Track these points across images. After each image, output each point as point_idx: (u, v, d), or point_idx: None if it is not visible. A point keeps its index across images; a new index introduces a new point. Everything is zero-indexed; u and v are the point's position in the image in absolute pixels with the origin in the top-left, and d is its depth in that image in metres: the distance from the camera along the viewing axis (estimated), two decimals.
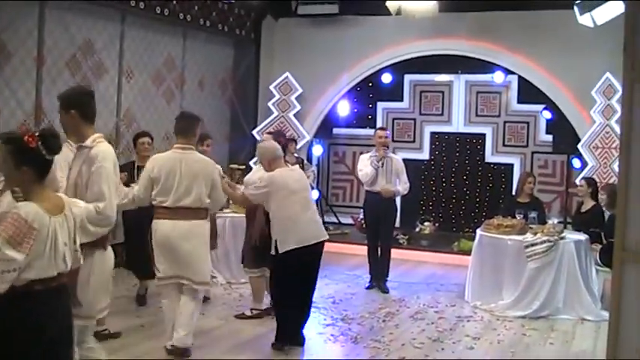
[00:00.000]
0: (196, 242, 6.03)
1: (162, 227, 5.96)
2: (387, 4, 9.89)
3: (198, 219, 6.03)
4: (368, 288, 8.99)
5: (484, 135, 12.66)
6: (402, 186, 8.94)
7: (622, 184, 4.35)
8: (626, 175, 4.33)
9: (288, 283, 6.27)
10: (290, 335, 6.47)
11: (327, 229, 12.60)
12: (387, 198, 8.85)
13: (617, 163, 9.97)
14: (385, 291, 8.87)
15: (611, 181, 9.90)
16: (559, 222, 9.25)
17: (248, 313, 7.47)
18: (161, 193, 5.97)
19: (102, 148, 4.53)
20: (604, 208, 8.89)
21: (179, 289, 6.07)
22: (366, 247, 9.26)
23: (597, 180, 10.01)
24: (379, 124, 13.22)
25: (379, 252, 9.06)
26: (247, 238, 7.39)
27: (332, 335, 6.93)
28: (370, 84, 12.96)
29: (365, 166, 8.91)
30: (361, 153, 13.23)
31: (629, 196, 4.32)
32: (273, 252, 6.29)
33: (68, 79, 8.92)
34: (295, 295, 6.33)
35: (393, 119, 13.20)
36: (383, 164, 8.79)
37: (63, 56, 8.87)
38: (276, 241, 6.25)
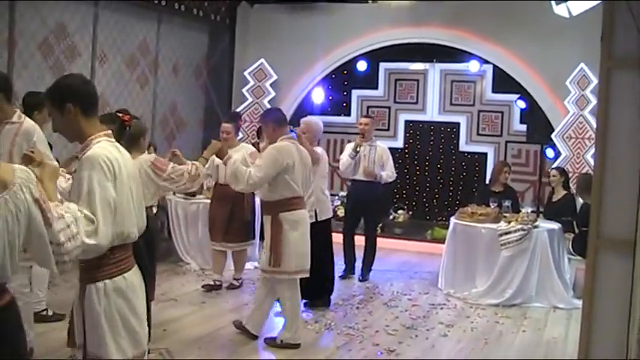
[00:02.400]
0: None
1: (303, 217, 6.20)
2: None
3: None
4: (342, 277, 8.94)
5: (458, 124, 12.68)
6: (386, 172, 8.87)
7: (597, 172, 4.38)
8: (602, 164, 4.37)
9: (328, 245, 7.38)
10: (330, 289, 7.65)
11: None
12: (371, 186, 8.80)
13: (590, 153, 10.09)
14: (365, 279, 8.89)
15: (584, 171, 9.96)
16: (532, 211, 9.31)
17: (236, 283, 8.17)
18: (295, 182, 6.10)
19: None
20: (576, 197, 8.98)
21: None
22: (339, 235, 9.22)
23: (570, 170, 10.11)
24: (354, 112, 13.21)
25: (365, 241, 9.04)
26: (236, 214, 7.88)
27: (305, 322, 6.91)
28: (345, 72, 12.91)
29: (346, 154, 8.86)
30: (335, 141, 13.36)
31: (604, 184, 4.35)
32: (313, 220, 6.73)
33: (40, 63, 8.80)
34: (331, 254, 7.59)
35: (368, 107, 13.17)
36: (358, 152, 8.72)
37: (35, 39, 8.74)
38: (315, 211, 7.06)
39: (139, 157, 5.61)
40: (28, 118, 5.33)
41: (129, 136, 5.54)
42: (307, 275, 6.20)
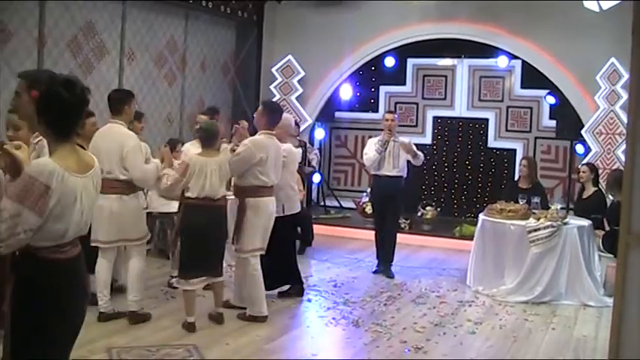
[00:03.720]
0: None
1: (267, 204, 6.64)
2: None
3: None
4: (375, 272, 8.91)
5: (487, 120, 12.60)
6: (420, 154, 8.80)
7: (628, 168, 4.31)
8: (633, 159, 4.30)
9: (291, 237, 7.67)
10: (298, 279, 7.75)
11: (328, 212, 12.74)
12: (394, 182, 8.71)
13: (621, 149, 9.97)
14: (390, 276, 8.82)
15: (614, 167, 9.85)
16: (562, 208, 9.21)
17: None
18: (264, 173, 6.57)
19: None
20: (606, 194, 8.87)
21: None
22: (367, 231, 9.18)
23: (601, 166, 9.99)
24: (382, 108, 13.19)
25: (384, 236, 8.98)
26: None
27: (333, 319, 6.90)
28: (373, 68, 12.89)
29: (370, 149, 8.77)
30: (363, 137, 13.33)
31: (635, 180, 4.28)
32: (281, 214, 7.03)
33: (69, 61, 8.88)
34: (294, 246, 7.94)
35: (396, 103, 13.14)
36: (386, 148, 8.68)
37: (64, 37, 8.82)
38: (283, 205, 7.13)
39: (222, 156, 6.37)
40: None
41: (206, 135, 6.33)
42: (262, 252, 6.69)
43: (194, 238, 6.20)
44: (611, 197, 8.62)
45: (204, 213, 6.18)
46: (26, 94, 3.84)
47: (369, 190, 12.03)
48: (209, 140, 6.33)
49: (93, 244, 6.16)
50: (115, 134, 6.26)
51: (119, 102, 6.37)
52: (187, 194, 6.21)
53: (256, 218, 6.57)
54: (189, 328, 6.24)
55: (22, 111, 4.16)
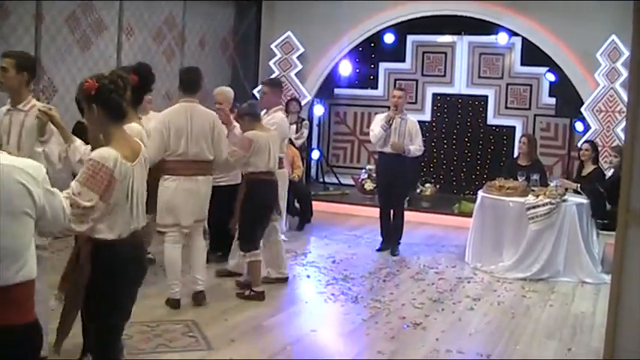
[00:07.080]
0: None
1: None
2: None
3: None
4: (379, 250, 8.89)
5: (486, 97, 12.57)
6: (415, 146, 8.71)
7: (628, 145, 4.32)
8: (632, 137, 4.30)
9: None
10: None
11: (327, 189, 12.75)
12: (399, 160, 8.68)
13: (620, 126, 9.96)
14: (395, 254, 8.83)
15: (614, 145, 9.85)
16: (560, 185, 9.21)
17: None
18: None
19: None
20: (605, 171, 8.87)
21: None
22: (366, 208, 9.18)
23: (600, 144, 9.98)
24: (381, 84, 13.16)
25: (391, 215, 8.97)
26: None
27: (332, 294, 6.93)
28: (372, 44, 12.84)
29: (376, 125, 8.68)
30: (362, 114, 13.33)
31: (634, 157, 4.28)
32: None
33: (67, 36, 8.83)
34: None
35: (395, 80, 13.09)
36: (391, 124, 8.62)
37: (62, 13, 8.77)
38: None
39: (273, 131, 6.85)
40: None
41: (256, 112, 6.81)
42: None
43: (260, 210, 6.58)
44: (608, 174, 8.64)
45: (268, 186, 6.62)
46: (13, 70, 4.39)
47: (367, 166, 12.08)
48: (259, 116, 6.76)
49: (169, 230, 6.13)
50: (202, 114, 6.15)
51: (198, 80, 6.32)
52: (251, 169, 6.53)
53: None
54: (259, 297, 6.58)
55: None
